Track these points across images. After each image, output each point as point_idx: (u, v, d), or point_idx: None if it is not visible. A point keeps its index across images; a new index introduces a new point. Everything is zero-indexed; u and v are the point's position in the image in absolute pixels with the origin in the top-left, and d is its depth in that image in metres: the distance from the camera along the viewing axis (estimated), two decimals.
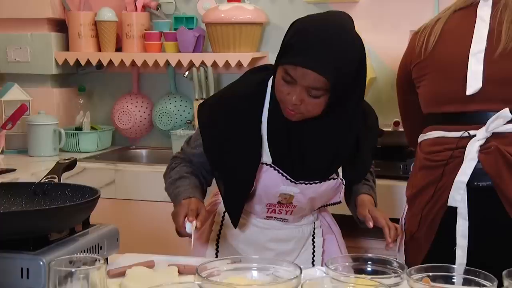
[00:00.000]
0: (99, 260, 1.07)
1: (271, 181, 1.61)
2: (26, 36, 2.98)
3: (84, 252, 1.34)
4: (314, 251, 1.78)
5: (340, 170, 1.68)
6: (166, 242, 2.56)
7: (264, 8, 2.90)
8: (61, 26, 3.04)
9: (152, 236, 2.56)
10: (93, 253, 1.37)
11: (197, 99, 2.85)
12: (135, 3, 2.96)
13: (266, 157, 1.61)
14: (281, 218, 1.71)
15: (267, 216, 1.71)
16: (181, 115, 3.00)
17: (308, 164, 1.60)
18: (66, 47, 3.03)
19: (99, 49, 2.99)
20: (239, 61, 2.79)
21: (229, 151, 1.61)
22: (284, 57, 1.49)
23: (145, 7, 2.99)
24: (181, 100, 3.02)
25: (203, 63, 2.84)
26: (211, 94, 2.85)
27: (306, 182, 1.61)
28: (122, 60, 2.93)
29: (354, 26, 1.54)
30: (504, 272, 1.13)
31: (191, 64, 2.87)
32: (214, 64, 2.84)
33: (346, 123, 1.60)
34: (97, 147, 2.99)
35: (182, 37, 2.86)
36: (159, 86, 3.11)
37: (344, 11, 1.61)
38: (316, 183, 1.62)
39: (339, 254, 1.79)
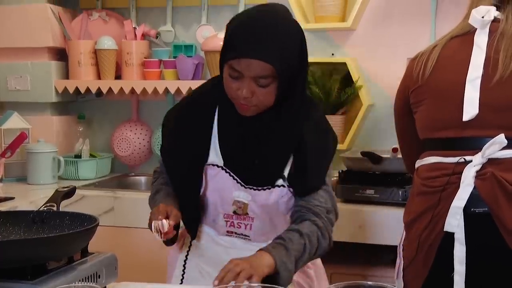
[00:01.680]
0: None
1: (222, 184, 1.61)
2: (26, 65, 3.01)
3: (83, 280, 1.34)
4: None
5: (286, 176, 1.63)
6: (165, 270, 2.55)
7: None
8: (61, 54, 3.07)
9: (151, 263, 2.55)
10: (91, 281, 1.37)
11: None
12: (135, 32, 2.99)
13: (218, 160, 1.61)
14: (242, 234, 1.68)
15: (228, 232, 1.69)
16: None
17: (257, 166, 1.59)
18: (66, 75, 3.06)
19: (99, 77, 3.01)
20: None
21: (178, 152, 1.65)
22: (227, 54, 1.50)
23: (144, 36, 3.02)
24: None
25: None
26: None
27: (255, 188, 1.60)
28: (121, 88, 2.95)
29: (290, 14, 1.56)
30: None
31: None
32: None
33: (293, 117, 1.59)
34: (96, 174, 3.00)
35: (181, 64, 2.89)
36: (158, 113, 3.11)
37: (279, 3, 1.60)
38: (265, 189, 1.60)
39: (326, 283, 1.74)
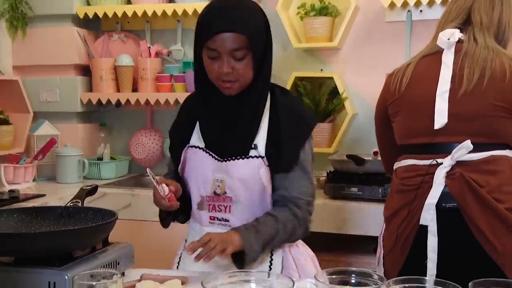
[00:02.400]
0: (116, 275, 1.07)
1: (201, 163, 1.54)
2: (56, 80, 3.01)
3: (104, 267, 1.34)
4: (270, 269, 1.56)
5: (262, 148, 1.52)
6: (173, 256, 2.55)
7: None
8: (85, 70, 3.07)
9: (163, 252, 2.54)
10: (111, 268, 1.36)
11: None
12: (149, 51, 2.98)
13: (200, 143, 1.56)
14: (223, 219, 1.55)
15: (210, 218, 1.57)
16: None
17: (229, 137, 1.52)
18: (90, 88, 3.05)
19: (118, 90, 3.01)
20: None
21: (171, 140, 1.67)
22: (201, 38, 1.45)
23: (157, 54, 3.01)
24: None
25: None
26: None
27: (230, 159, 1.51)
28: (137, 99, 2.95)
29: None
30: (470, 283, 1.12)
31: None
32: None
33: (262, 89, 1.52)
34: (115, 174, 2.99)
35: (190, 79, 2.88)
36: (170, 121, 3.06)
37: None
38: (238, 159, 1.50)
39: (313, 269, 1.62)
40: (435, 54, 1.77)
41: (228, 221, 1.55)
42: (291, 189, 1.53)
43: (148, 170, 1.52)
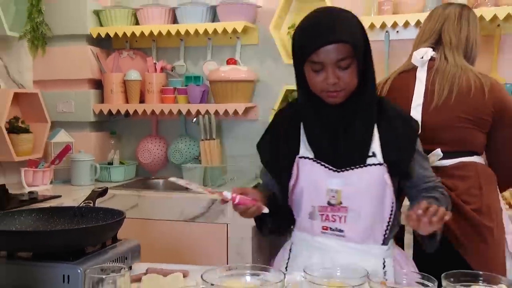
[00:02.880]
0: (124, 268, 1.07)
1: (314, 175, 1.37)
2: (71, 93, 3.00)
3: (113, 262, 1.33)
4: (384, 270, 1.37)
5: (380, 155, 1.35)
6: (178, 253, 2.55)
7: (255, 69, 2.93)
8: (98, 84, 3.06)
9: (167, 248, 2.54)
10: (120, 262, 1.36)
11: (202, 140, 2.85)
12: (155, 66, 2.98)
13: (309, 153, 1.39)
14: (336, 230, 1.36)
15: (323, 228, 1.38)
16: (190, 152, 3.00)
17: (344, 148, 1.34)
18: (102, 100, 3.05)
19: (127, 101, 3.01)
20: (235, 110, 2.81)
21: (275, 153, 1.44)
22: (304, 54, 1.30)
23: (162, 69, 3.01)
24: (190, 140, 3.03)
25: (207, 112, 2.86)
26: (214, 136, 2.86)
27: (347, 169, 1.34)
28: (144, 110, 2.94)
29: None
30: (442, 275, 1.12)
31: (198, 112, 2.88)
32: (216, 112, 2.86)
33: (372, 98, 1.36)
34: (124, 177, 2.98)
35: (191, 91, 2.89)
36: (173, 130, 3.11)
37: None
38: (357, 168, 1.34)
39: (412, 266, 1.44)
40: (410, 71, 1.79)
41: (342, 231, 1.37)
42: (428, 180, 1.41)
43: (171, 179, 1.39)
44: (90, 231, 1.32)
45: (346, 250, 1.36)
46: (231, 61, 2.85)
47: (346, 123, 1.35)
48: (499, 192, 1.83)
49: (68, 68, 2.97)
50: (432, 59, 1.76)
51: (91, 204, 1.54)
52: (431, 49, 1.77)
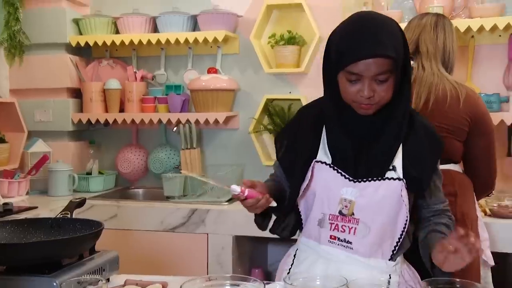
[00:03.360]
0: (101, 281, 1.04)
1: (330, 181, 1.31)
2: (49, 102, 2.96)
3: (90, 274, 1.31)
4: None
5: (400, 170, 1.30)
6: (157, 263, 2.52)
7: (236, 77, 2.93)
8: (77, 93, 3.03)
9: (147, 259, 2.50)
10: (97, 274, 1.34)
11: (183, 149, 2.83)
12: (135, 75, 2.96)
13: (327, 158, 1.33)
14: (344, 241, 1.31)
15: (331, 237, 1.32)
16: (170, 161, 2.97)
17: (365, 158, 1.29)
18: (81, 109, 3.01)
19: (106, 111, 2.97)
20: (216, 119, 2.79)
21: (292, 153, 1.39)
22: (341, 62, 1.23)
23: (143, 78, 2.99)
24: (170, 150, 3.00)
25: (188, 121, 2.84)
26: (195, 145, 2.84)
27: (365, 179, 1.29)
28: (124, 119, 2.91)
29: None
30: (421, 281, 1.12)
31: (178, 121, 2.86)
32: (197, 121, 2.84)
33: (401, 110, 1.29)
34: (103, 187, 2.94)
35: (172, 100, 2.87)
36: (153, 139, 3.09)
37: None
38: (375, 180, 1.29)
39: None
40: None
41: (350, 243, 1.31)
42: (439, 202, 1.39)
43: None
44: (67, 243, 1.29)
45: (351, 262, 1.31)
46: (212, 70, 2.84)
47: (372, 134, 1.29)
48: (475, 200, 1.85)
49: (46, 77, 2.93)
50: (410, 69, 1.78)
51: (69, 215, 1.52)
52: (409, 59, 1.79)
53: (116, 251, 1.46)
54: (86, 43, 2.93)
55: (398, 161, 1.30)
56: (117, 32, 2.99)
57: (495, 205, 2.22)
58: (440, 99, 1.73)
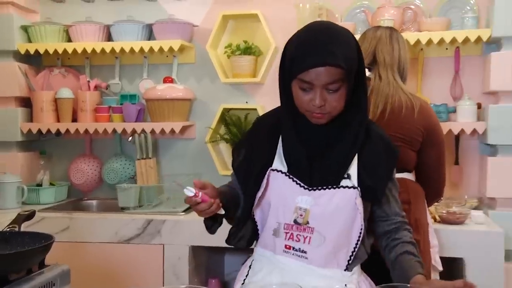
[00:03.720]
0: None
1: (285, 190, 1.31)
2: None
3: None
4: None
5: (355, 178, 1.31)
6: (112, 276, 2.45)
7: (192, 87, 2.91)
8: (26, 102, 2.92)
9: (101, 272, 2.44)
10: None
11: (138, 159, 2.78)
12: (89, 85, 2.89)
13: (282, 167, 1.33)
14: (299, 250, 1.31)
15: (286, 247, 1.32)
16: (125, 171, 2.92)
17: (320, 166, 1.30)
18: (31, 119, 2.91)
19: (58, 120, 2.88)
20: (172, 129, 2.76)
21: (248, 161, 1.38)
22: (294, 70, 1.25)
23: (96, 87, 2.92)
24: (125, 160, 2.94)
25: (143, 130, 2.80)
26: (150, 155, 2.80)
27: (320, 188, 1.29)
28: (77, 129, 2.83)
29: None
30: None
31: (133, 131, 2.81)
32: (152, 131, 2.80)
33: (358, 120, 1.31)
34: (55, 199, 2.84)
35: (127, 110, 2.82)
36: (107, 149, 3.02)
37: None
38: (330, 189, 1.29)
39: None
40: None
41: (305, 252, 1.31)
42: (396, 213, 1.38)
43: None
44: (14, 257, 1.24)
45: (307, 272, 1.30)
46: (167, 80, 2.82)
47: (328, 143, 1.31)
48: (426, 207, 1.91)
49: None
50: (368, 79, 1.82)
51: (16, 229, 1.45)
52: (367, 69, 1.83)
53: (67, 264, 1.41)
54: (36, 51, 2.84)
55: (353, 170, 1.31)
56: (69, 40, 2.92)
57: (444, 211, 2.29)
58: (396, 109, 1.79)
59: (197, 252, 2.48)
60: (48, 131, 2.86)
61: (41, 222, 2.46)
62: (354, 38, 1.29)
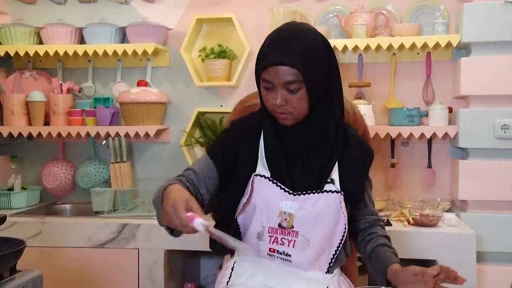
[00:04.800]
0: None
1: (269, 195, 1.32)
2: None
3: None
4: None
5: (337, 183, 1.34)
6: (86, 281, 2.42)
7: (166, 90, 2.90)
8: None
9: (74, 277, 2.40)
10: None
11: (112, 163, 2.75)
12: (61, 87, 2.85)
13: (265, 172, 1.33)
14: (284, 253, 1.32)
15: (270, 250, 1.33)
16: (99, 175, 2.88)
17: (303, 171, 1.32)
18: (1, 122, 2.85)
19: (30, 124, 2.83)
20: (146, 132, 2.74)
21: (230, 163, 1.36)
22: (257, 68, 1.29)
23: (69, 90, 2.88)
24: (99, 164, 2.91)
25: (117, 134, 2.77)
26: (125, 159, 2.77)
27: (304, 193, 1.31)
28: (49, 132, 2.79)
29: (313, 27, 1.33)
30: None
31: (107, 135, 2.79)
32: (127, 135, 2.78)
33: (334, 123, 1.33)
34: (27, 204, 2.79)
35: (100, 113, 2.78)
36: (81, 153, 2.98)
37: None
38: (314, 193, 1.31)
39: None
40: None
41: (290, 255, 1.32)
42: (371, 212, 1.46)
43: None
44: None
45: (290, 275, 1.32)
46: (141, 83, 2.80)
47: (307, 147, 1.32)
48: None
49: None
50: None
51: None
52: None
53: (39, 270, 1.39)
54: (6, 53, 2.79)
55: (335, 174, 1.33)
56: (40, 42, 2.87)
57: (417, 214, 2.32)
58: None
59: (172, 256, 2.46)
60: (20, 134, 2.81)
61: (13, 227, 2.41)
62: (325, 42, 1.30)
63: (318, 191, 1.31)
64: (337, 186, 1.33)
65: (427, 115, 2.59)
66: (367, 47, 2.58)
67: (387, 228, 2.23)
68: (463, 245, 2.20)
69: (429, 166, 2.70)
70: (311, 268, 1.33)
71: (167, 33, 2.88)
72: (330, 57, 1.29)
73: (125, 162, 2.78)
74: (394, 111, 2.58)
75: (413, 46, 2.56)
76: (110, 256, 2.40)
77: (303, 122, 1.32)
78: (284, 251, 1.32)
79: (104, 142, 2.80)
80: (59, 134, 2.80)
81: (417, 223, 2.31)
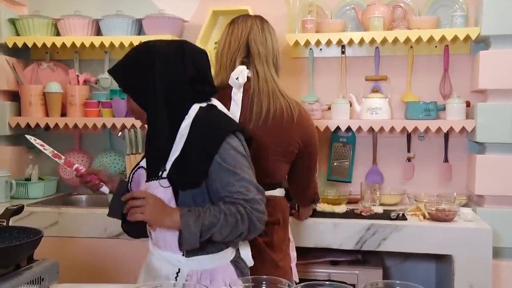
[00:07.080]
0: None
1: (139, 178, 1.53)
2: None
3: (28, 284, 1.24)
4: None
5: (166, 173, 1.42)
6: (101, 271, 2.44)
7: None
8: (14, 96, 2.89)
9: (88, 267, 2.42)
10: (35, 284, 1.27)
11: (128, 154, 2.76)
12: (78, 79, 2.86)
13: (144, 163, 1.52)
14: (150, 234, 1.50)
15: (148, 231, 1.52)
16: (115, 167, 2.90)
17: (148, 159, 1.47)
18: (19, 113, 2.87)
19: (47, 115, 2.85)
20: None
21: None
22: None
23: (86, 82, 2.90)
24: (115, 155, 2.93)
25: (133, 126, 2.77)
26: (140, 150, 2.78)
27: (149, 180, 1.44)
28: (66, 124, 2.81)
29: (151, 44, 1.51)
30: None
31: (123, 126, 2.79)
32: (142, 126, 2.78)
33: (156, 122, 1.44)
34: (43, 194, 2.81)
35: (116, 105, 2.80)
36: (97, 144, 3.00)
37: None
38: (153, 180, 1.42)
39: None
40: (225, 89, 1.70)
41: (151, 235, 1.50)
42: (230, 190, 1.37)
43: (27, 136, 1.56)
44: (2, 252, 1.22)
45: (156, 255, 1.48)
46: None
47: (149, 138, 1.46)
48: (288, 223, 1.84)
49: None
50: (249, 80, 1.70)
51: (5, 223, 1.43)
52: (245, 68, 1.70)
53: (56, 259, 1.40)
54: (24, 44, 2.81)
55: (168, 164, 1.41)
56: (57, 34, 2.88)
57: (433, 209, 2.30)
58: (278, 119, 1.69)
59: None
60: (37, 125, 2.83)
61: (30, 216, 2.44)
62: (142, 58, 1.49)
63: (155, 179, 1.44)
64: (166, 174, 1.42)
65: (444, 109, 2.55)
66: (384, 40, 2.55)
67: (402, 222, 2.24)
68: (479, 241, 2.17)
69: (446, 160, 2.66)
70: (166, 249, 1.44)
71: (183, 25, 2.87)
72: (153, 69, 1.46)
73: (140, 153, 2.78)
74: (410, 105, 2.55)
75: (430, 39, 2.52)
76: (125, 247, 2.42)
77: None
78: (150, 232, 1.51)
79: (120, 133, 2.81)
80: (75, 125, 2.82)
81: (433, 217, 2.29)
